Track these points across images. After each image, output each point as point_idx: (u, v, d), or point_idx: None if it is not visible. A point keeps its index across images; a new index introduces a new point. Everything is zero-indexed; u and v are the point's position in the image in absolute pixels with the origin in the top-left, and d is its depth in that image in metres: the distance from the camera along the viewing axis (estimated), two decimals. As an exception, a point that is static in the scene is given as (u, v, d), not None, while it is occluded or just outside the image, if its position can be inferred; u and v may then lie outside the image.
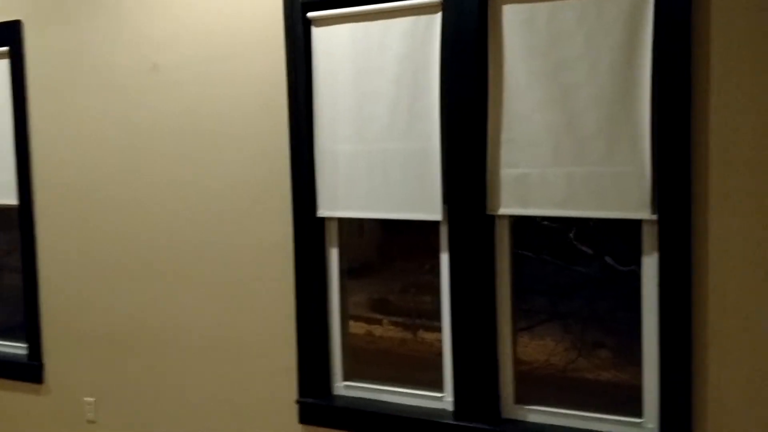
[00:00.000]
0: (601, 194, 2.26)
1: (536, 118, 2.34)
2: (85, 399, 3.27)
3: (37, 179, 3.29)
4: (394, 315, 2.90)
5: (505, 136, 2.40)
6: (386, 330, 2.92)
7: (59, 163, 3.24)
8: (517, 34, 2.36)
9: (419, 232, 2.72)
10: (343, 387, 2.80)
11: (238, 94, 2.82)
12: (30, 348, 3.39)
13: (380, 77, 2.57)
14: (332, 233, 2.78)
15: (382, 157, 2.59)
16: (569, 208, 2.32)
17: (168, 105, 2.96)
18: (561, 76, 2.29)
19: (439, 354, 2.64)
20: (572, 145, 2.30)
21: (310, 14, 2.66)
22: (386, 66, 2.56)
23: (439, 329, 2.64)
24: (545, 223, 2.57)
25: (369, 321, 2.94)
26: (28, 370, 3.39)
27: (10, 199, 3.39)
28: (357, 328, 2.93)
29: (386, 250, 2.95)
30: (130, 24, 3.01)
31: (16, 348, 3.56)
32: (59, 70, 3.19)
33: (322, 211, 2.72)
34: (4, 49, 3.31)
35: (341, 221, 2.78)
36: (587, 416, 2.41)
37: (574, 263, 2.58)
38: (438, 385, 2.64)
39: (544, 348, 2.69)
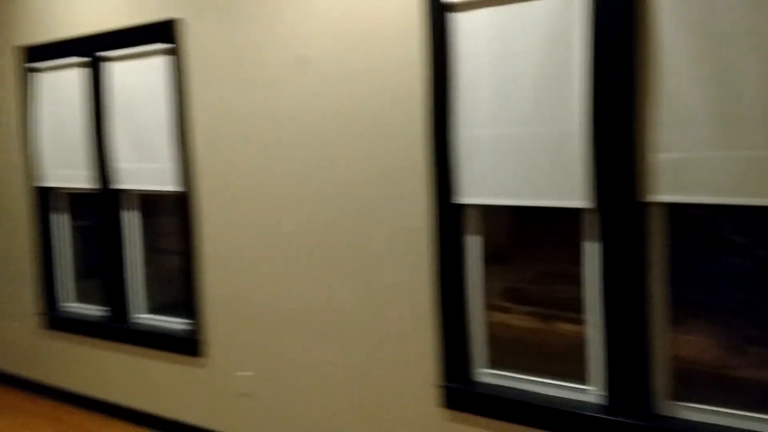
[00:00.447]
0: (766, 181, 2.09)
1: (692, 99, 2.19)
2: (243, 373, 3.50)
3: (198, 168, 3.53)
4: (527, 304, 2.85)
5: (658, 118, 2.27)
6: (519, 319, 2.88)
7: (218, 153, 3.45)
8: (670, 8, 2.21)
9: (555, 219, 2.65)
10: (484, 374, 2.80)
11: (375, 84, 2.87)
12: (193, 324, 3.67)
13: (523, 60, 2.52)
14: (472, 220, 2.77)
15: (524, 142, 2.54)
16: (731, 196, 2.16)
17: (312, 97, 3.06)
18: (721, 52, 2.13)
19: (580, 345, 2.56)
20: (733, 128, 2.13)
21: (447, 0, 2.65)
22: (529, 49, 2.50)
23: (577, 320, 2.56)
24: (693, 210, 2.41)
25: (501, 309, 2.91)
26: (191, 345, 3.68)
27: (172, 185, 3.67)
28: (489, 316, 2.91)
29: (518, 237, 2.89)
30: (279, 20, 3.14)
31: (179, 324, 3.87)
32: (215, 66, 3.39)
33: (461, 198, 2.71)
34: (167, 46, 3.57)
35: (480, 208, 2.76)
36: (745, 415, 2.26)
37: (726, 254, 2.41)
38: (578, 377, 2.57)
39: (695, 343, 2.54)
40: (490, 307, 2.86)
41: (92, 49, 3.89)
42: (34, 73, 4.25)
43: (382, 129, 2.88)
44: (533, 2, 2.47)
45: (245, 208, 3.38)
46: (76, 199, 4.40)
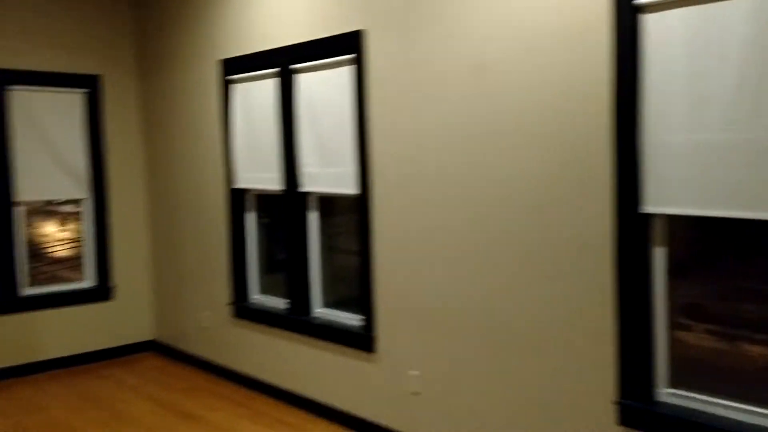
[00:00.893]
0: None
1: None
2: (412, 372, 3.59)
3: (375, 172, 3.69)
4: (710, 322, 2.64)
5: None
6: (700, 337, 2.68)
7: (393, 158, 3.58)
8: None
9: (747, 232, 2.44)
10: (666, 393, 2.65)
11: (556, 88, 2.82)
12: (365, 321, 3.82)
13: (720, 62, 2.36)
14: (658, 230, 2.64)
15: (721, 149, 2.37)
16: None
17: (489, 103, 3.08)
18: None
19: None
20: None
21: (638, 1, 2.54)
22: (727, 50, 2.34)
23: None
24: None
25: (682, 327, 2.72)
26: (363, 340, 3.83)
27: (351, 188, 3.85)
28: (671, 333, 2.74)
29: (704, 249, 2.69)
30: (456, 27, 3.20)
31: (353, 319, 4.05)
32: (396, 74, 3.51)
33: (648, 207, 2.59)
34: (349, 56, 3.76)
35: (667, 218, 2.62)
36: None
37: None
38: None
39: None
40: (672, 323, 2.70)
41: (283, 61, 4.19)
42: (232, 84, 4.65)
43: (563, 134, 2.82)
44: (732, 1, 2.31)
45: (419, 210, 3.47)
46: (262, 200, 4.75)
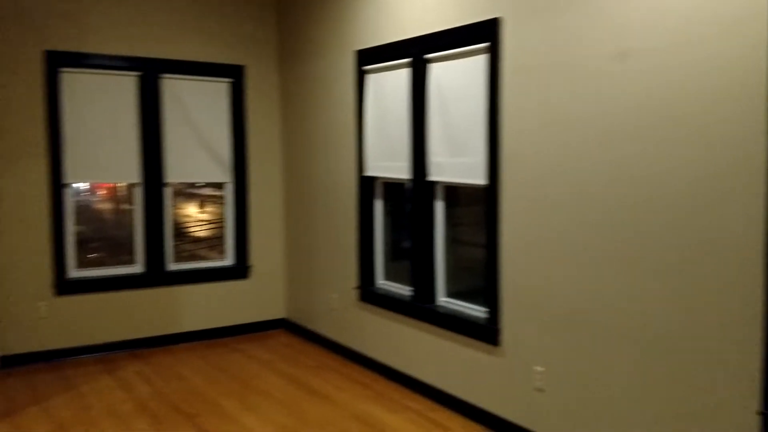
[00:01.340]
0: None
1: None
2: (536, 367, 3.52)
3: (505, 163, 3.64)
4: None
5: None
6: None
7: (526, 149, 3.51)
8: None
9: None
10: (820, 409, 2.44)
11: (708, 81, 2.64)
12: (490, 313, 3.79)
13: None
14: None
15: None
16: None
17: (635, 93, 2.94)
18: None
19: None
20: None
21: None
22: None
23: None
24: None
25: None
26: (487, 332, 3.81)
27: (480, 179, 3.82)
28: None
29: None
30: (598, 12, 3.08)
31: (477, 311, 4.03)
32: (532, 63, 3.44)
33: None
34: (483, 45, 3.73)
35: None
36: None
37: None
38: None
39: None
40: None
41: (416, 51, 4.23)
42: (366, 74, 4.75)
43: (713, 127, 2.65)
44: None
45: (551, 205, 3.38)
46: (389, 188, 4.83)
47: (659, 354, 2.90)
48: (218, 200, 5.90)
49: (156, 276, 5.46)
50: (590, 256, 3.19)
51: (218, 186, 5.87)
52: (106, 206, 5.57)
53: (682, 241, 2.78)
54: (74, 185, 5.23)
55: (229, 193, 5.83)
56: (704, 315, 2.72)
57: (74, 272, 5.22)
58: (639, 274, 2.97)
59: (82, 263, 5.31)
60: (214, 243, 5.94)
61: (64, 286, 5.11)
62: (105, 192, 5.55)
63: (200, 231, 5.97)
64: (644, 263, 2.94)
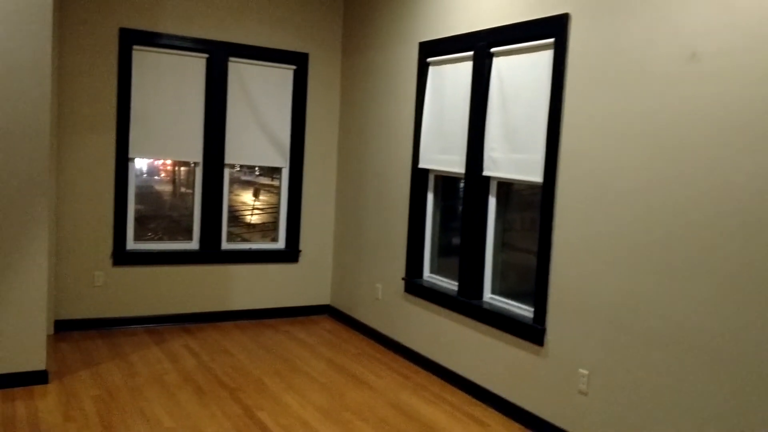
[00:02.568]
0: None
1: None
2: (580, 370, 3.46)
3: (563, 163, 3.59)
4: None
5: None
6: None
7: (585, 149, 3.46)
8: None
9: None
10: None
11: (785, 80, 2.55)
12: (536, 313, 3.75)
13: None
14: None
15: None
16: None
17: (705, 97, 2.86)
18: None
19: None
20: None
21: None
22: None
23: None
24: None
25: None
26: (532, 332, 3.76)
27: (536, 177, 3.78)
28: None
29: None
30: (670, 11, 3.01)
31: (523, 310, 3.99)
32: (597, 61, 3.39)
33: None
34: (550, 40, 3.68)
35: None
36: None
37: None
38: None
39: None
40: None
41: (480, 44, 4.21)
42: (429, 67, 4.76)
43: (782, 132, 2.56)
44: None
45: (605, 205, 3.32)
46: (442, 182, 4.82)
47: (708, 366, 2.81)
48: (273, 189, 6.00)
49: (210, 254, 5.59)
50: (643, 263, 3.12)
51: (273, 176, 5.96)
52: (167, 187, 5.73)
53: (742, 253, 2.69)
54: (138, 166, 5.40)
55: (284, 178, 5.92)
56: (760, 329, 2.62)
57: (132, 244, 5.39)
58: (694, 284, 2.88)
59: (141, 237, 5.48)
60: (268, 229, 6.04)
61: (122, 257, 5.28)
62: (165, 174, 5.71)
63: (255, 217, 6.08)
64: (698, 274, 2.86)
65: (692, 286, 2.89)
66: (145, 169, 5.54)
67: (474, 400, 4.17)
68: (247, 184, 6.02)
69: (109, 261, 5.25)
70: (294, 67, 5.80)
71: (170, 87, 5.36)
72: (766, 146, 2.61)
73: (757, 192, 2.65)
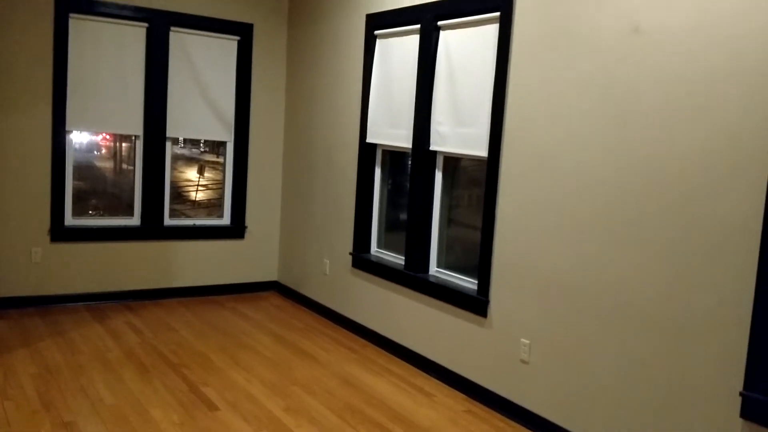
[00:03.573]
0: None
1: None
2: (522, 340, 3.54)
3: (507, 136, 3.63)
4: None
5: None
6: None
7: (529, 123, 3.50)
8: None
9: None
10: (800, 393, 2.45)
11: (730, 62, 2.62)
12: (479, 285, 3.81)
13: None
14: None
15: None
16: None
17: (648, 71, 2.92)
18: None
19: None
20: None
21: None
22: None
23: None
24: None
25: None
26: (476, 304, 3.82)
27: (481, 151, 3.81)
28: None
29: None
30: (612, -14, 3.05)
31: (467, 282, 4.04)
32: (542, 34, 3.42)
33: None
34: (495, 14, 3.70)
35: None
36: None
37: None
38: None
39: None
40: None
41: (427, 17, 4.19)
42: (376, 39, 4.72)
43: (729, 113, 2.63)
44: None
45: (549, 180, 3.38)
46: (389, 156, 4.82)
47: (646, 332, 2.91)
48: (219, 167, 5.89)
49: (152, 229, 5.47)
50: (584, 234, 3.19)
51: (219, 153, 5.85)
52: (107, 162, 5.56)
53: (679, 220, 2.78)
54: (77, 140, 5.22)
55: (229, 152, 5.82)
56: (694, 294, 2.72)
57: (71, 220, 5.23)
58: (633, 254, 2.97)
59: (80, 213, 5.31)
60: (213, 205, 5.94)
61: (60, 233, 5.12)
62: (106, 148, 5.53)
63: (200, 194, 5.97)
64: (638, 243, 2.94)
65: (628, 255, 2.98)
66: (85, 143, 5.36)
67: (420, 372, 4.22)
68: (192, 161, 5.90)
69: (46, 237, 5.08)
70: (238, 37, 5.68)
71: (109, 57, 5.18)
72: (704, 119, 2.69)
73: (693, 163, 2.73)
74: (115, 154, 5.60)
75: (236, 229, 5.85)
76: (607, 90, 3.08)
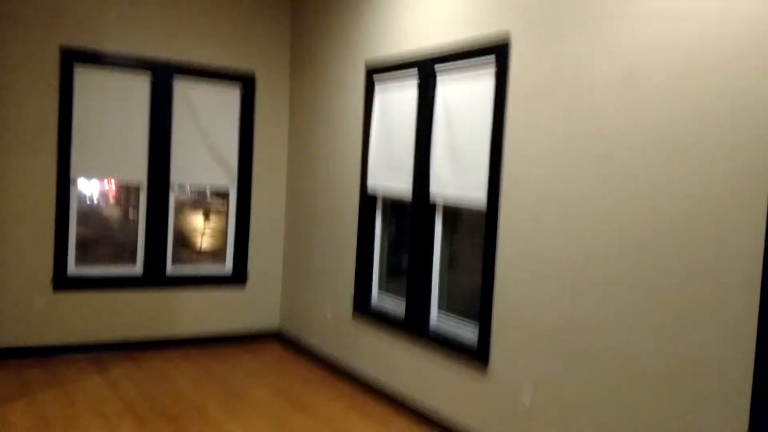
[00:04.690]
0: None
1: None
2: (523, 388, 3.44)
3: (505, 183, 3.58)
4: None
5: None
6: None
7: (527, 170, 3.46)
8: None
9: None
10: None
11: (722, 108, 2.58)
12: (480, 333, 3.72)
13: None
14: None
15: None
16: None
17: (641, 117, 2.88)
18: None
19: None
20: None
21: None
22: None
23: None
24: None
25: None
26: (477, 353, 3.73)
27: (480, 199, 3.77)
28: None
29: None
30: (606, 30, 3.04)
31: (468, 330, 3.96)
32: (539, 81, 3.40)
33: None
34: (491, 57, 3.69)
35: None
36: None
37: None
38: None
39: None
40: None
41: (425, 65, 4.20)
42: (375, 86, 4.73)
43: (720, 158, 2.58)
44: None
45: (549, 229, 3.32)
46: (390, 204, 4.79)
47: (647, 383, 2.81)
48: (223, 212, 5.89)
49: (155, 278, 5.44)
50: (584, 283, 3.12)
51: (224, 197, 5.85)
52: (111, 210, 5.57)
53: (676, 268, 2.71)
54: (81, 188, 5.25)
55: (232, 200, 5.82)
56: (696, 343, 2.63)
57: (74, 269, 5.22)
58: (634, 304, 2.89)
59: (83, 261, 5.31)
60: (216, 253, 5.92)
61: (63, 282, 5.10)
62: (110, 197, 5.56)
63: (203, 241, 5.96)
64: (639, 294, 2.87)
65: (626, 306, 2.90)
66: (89, 192, 5.39)
67: (421, 423, 4.11)
68: (198, 206, 5.90)
69: (49, 286, 5.07)
70: (241, 86, 5.73)
71: (114, 106, 5.24)
72: (700, 168, 2.64)
73: (691, 213, 2.67)
74: (119, 202, 5.62)
75: (238, 277, 5.80)
76: (602, 137, 3.04)
